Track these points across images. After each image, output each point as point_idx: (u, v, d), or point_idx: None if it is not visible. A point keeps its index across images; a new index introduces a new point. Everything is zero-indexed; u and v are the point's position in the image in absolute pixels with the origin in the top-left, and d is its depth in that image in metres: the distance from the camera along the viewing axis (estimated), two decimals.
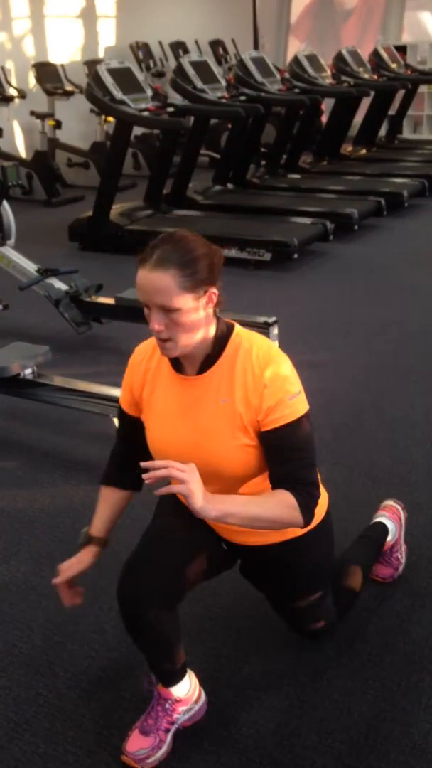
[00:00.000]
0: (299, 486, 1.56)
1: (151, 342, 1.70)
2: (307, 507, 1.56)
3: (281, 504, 1.54)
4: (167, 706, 1.74)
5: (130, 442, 1.78)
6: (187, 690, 1.76)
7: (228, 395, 1.58)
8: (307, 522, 1.57)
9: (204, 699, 1.81)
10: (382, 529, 2.20)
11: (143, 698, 1.79)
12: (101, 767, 1.70)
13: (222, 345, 1.60)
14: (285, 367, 1.59)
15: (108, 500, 1.82)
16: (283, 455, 1.57)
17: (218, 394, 1.59)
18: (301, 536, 1.71)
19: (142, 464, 1.46)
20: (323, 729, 1.78)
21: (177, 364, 1.65)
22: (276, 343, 3.68)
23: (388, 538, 2.19)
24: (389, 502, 2.31)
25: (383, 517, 2.23)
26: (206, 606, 2.15)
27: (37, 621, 2.13)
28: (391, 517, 2.23)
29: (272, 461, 1.59)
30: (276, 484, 1.59)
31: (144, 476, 1.44)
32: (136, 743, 1.71)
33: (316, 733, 1.77)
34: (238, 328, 1.64)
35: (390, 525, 2.21)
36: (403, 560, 2.26)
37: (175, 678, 1.74)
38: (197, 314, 1.53)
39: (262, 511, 1.53)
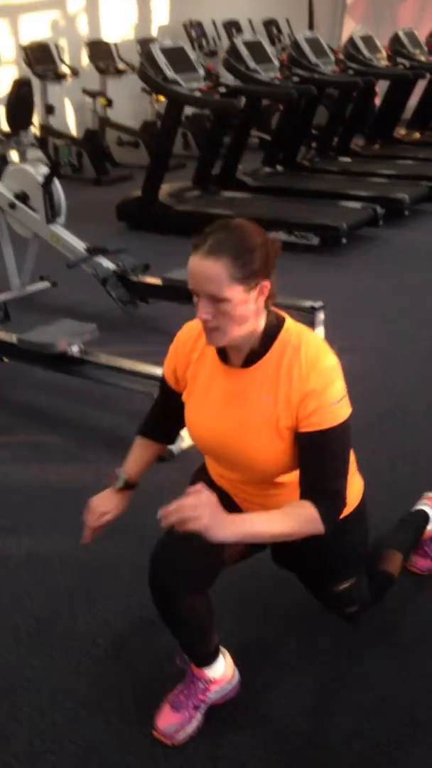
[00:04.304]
0: (324, 497, 1.51)
1: (199, 323, 1.63)
2: (328, 518, 1.51)
3: (301, 518, 1.49)
4: (200, 685, 1.77)
5: (167, 408, 1.79)
6: (222, 671, 1.79)
7: (271, 393, 1.54)
8: (328, 531, 1.52)
9: (237, 679, 1.83)
10: (424, 516, 2.18)
11: (180, 670, 1.81)
12: (138, 736, 1.74)
13: (270, 340, 1.55)
14: (332, 371, 1.53)
15: (143, 449, 1.86)
16: (314, 460, 1.52)
17: (261, 391, 1.55)
18: None
19: (159, 512, 1.37)
20: (360, 713, 1.79)
21: (223, 353, 1.61)
22: (322, 329, 3.67)
23: (429, 527, 2.18)
24: None
25: (425, 506, 2.22)
26: (247, 588, 2.16)
27: (79, 591, 2.18)
28: None
29: (303, 463, 1.55)
30: (302, 489, 1.55)
31: (161, 521, 1.37)
32: (166, 719, 1.74)
33: (353, 717, 1.78)
34: (288, 322, 1.59)
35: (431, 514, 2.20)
36: None
37: (209, 659, 1.76)
38: (247, 306, 1.47)
39: (283, 528, 1.48)
